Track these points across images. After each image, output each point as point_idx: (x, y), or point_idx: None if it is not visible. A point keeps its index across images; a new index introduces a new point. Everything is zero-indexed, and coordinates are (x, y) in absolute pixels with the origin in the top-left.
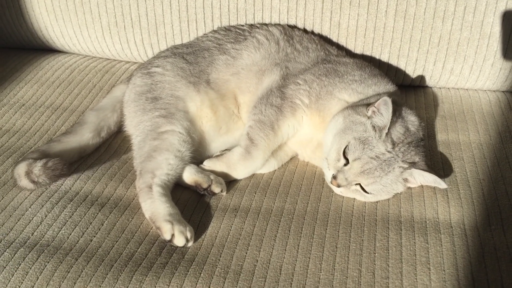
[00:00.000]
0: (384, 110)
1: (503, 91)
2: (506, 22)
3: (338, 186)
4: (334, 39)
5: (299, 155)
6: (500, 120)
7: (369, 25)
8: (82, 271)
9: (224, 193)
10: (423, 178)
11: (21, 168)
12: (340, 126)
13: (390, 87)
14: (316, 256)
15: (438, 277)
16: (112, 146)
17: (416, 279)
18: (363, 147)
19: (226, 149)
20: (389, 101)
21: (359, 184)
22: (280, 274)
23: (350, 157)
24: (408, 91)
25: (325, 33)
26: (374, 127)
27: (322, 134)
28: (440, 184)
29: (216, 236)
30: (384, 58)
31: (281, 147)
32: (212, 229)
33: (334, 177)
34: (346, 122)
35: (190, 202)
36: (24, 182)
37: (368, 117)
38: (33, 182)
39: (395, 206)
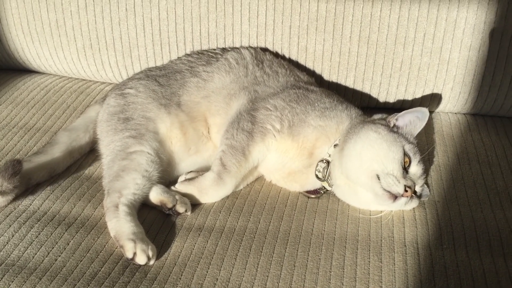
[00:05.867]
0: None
1: (463, 114)
2: (463, 48)
3: (414, 193)
4: (302, 63)
5: (265, 176)
6: (459, 142)
7: (334, 50)
8: None
9: (188, 213)
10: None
11: None
12: (379, 140)
13: (358, 111)
14: (274, 274)
15: None
16: (83, 165)
17: None
18: (415, 149)
19: (192, 171)
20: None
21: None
22: None
23: (414, 161)
24: (374, 113)
25: (293, 57)
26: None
27: (296, 162)
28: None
29: (179, 255)
30: (350, 81)
31: (251, 171)
32: (175, 248)
33: (409, 187)
34: (382, 134)
35: (156, 222)
36: None
37: (394, 125)
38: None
39: (354, 225)
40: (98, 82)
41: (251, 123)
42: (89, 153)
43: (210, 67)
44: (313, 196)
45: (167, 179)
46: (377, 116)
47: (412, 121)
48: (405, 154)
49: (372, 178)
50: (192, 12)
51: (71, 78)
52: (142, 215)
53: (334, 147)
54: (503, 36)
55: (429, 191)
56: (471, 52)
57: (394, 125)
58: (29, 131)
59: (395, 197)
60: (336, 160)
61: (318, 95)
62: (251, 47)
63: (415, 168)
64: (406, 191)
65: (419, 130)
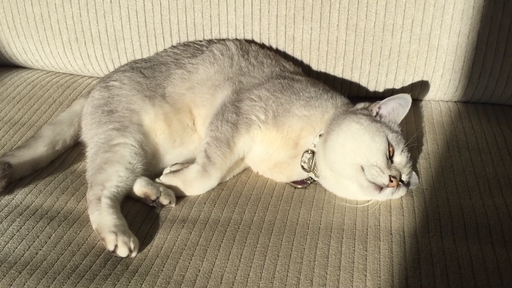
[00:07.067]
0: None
1: (454, 101)
2: (452, 34)
3: (401, 181)
4: (290, 53)
5: (252, 168)
6: (449, 130)
7: (322, 39)
8: (24, 284)
9: (172, 205)
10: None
11: None
12: (361, 131)
13: (344, 100)
14: (257, 265)
15: (374, 283)
16: (67, 159)
17: (352, 285)
18: (399, 137)
19: (177, 163)
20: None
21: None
22: (221, 283)
23: (398, 150)
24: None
25: (280, 47)
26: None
27: (281, 153)
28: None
29: (162, 247)
30: (339, 70)
31: (237, 163)
32: (158, 240)
33: (394, 177)
34: (364, 125)
35: (140, 214)
36: None
37: (377, 114)
38: None
39: (340, 214)
40: (85, 76)
41: (235, 114)
42: (73, 147)
43: (195, 59)
44: (299, 186)
45: (152, 171)
46: (360, 106)
47: (395, 108)
48: (389, 143)
49: (356, 170)
50: (177, 3)
51: (58, 73)
52: (126, 207)
53: (319, 137)
54: (492, 22)
55: (418, 179)
56: (461, 38)
57: (377, 113)
58: (13, 126)
59: (380, 188)
60: (320, 152)
61: (303, 85)
62: (237, 39)
63: (399, 157)
64: (391, 181)
65: (402, 117)
